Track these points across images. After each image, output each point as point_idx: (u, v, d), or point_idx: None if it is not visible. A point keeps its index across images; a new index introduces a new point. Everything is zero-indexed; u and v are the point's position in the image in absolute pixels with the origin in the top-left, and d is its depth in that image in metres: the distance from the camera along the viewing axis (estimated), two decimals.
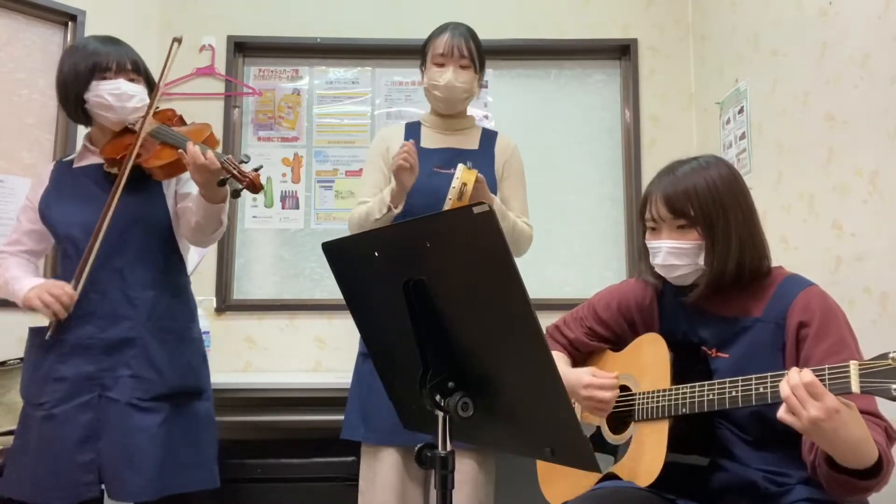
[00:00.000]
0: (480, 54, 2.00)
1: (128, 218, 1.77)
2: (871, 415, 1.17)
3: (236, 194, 1.65)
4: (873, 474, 1.10)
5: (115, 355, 1.72)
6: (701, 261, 1.34)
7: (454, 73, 1.94)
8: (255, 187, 1.64)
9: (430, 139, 2.02)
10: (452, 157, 1.89)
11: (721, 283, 1.33)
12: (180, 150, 1.66)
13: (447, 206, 1.77)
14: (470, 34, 2.00)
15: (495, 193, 1.95)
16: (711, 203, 1.32)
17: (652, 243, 1.39)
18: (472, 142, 2.03)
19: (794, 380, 1.04)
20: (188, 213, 1.79)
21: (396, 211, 1.87)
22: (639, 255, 1.49)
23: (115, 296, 1.74)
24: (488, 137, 2.06)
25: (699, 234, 1.33)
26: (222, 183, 1.63)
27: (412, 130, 2.06)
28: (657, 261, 1.38)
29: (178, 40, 1.81)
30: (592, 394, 1.41)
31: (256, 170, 1.66)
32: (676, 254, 1.35)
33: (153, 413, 1.71)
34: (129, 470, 1.66)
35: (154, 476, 1.67)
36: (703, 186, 1.33)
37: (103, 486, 1.68)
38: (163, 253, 1.82)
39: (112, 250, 1.75)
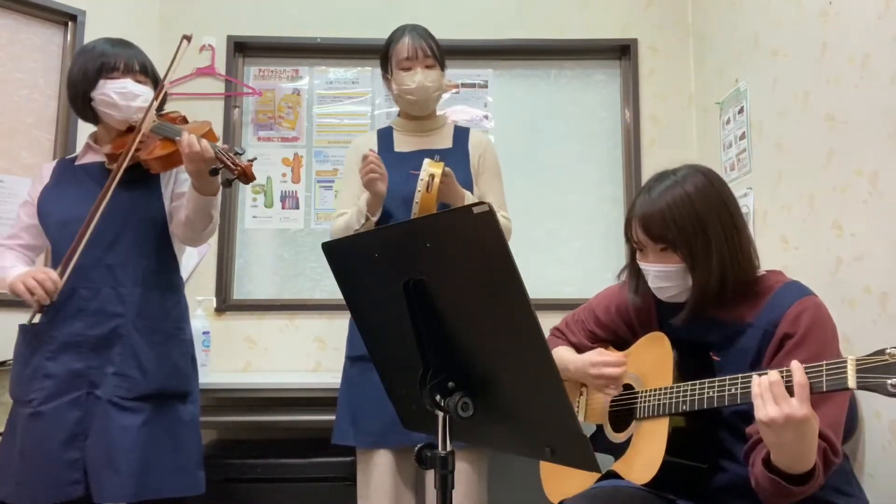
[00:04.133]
0: (441, 51, 2.01)
1: (123, 215, 1.77)
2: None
3: (228, 184, 1.65)
4: (803, 481, 1.13)
5: (104, 352, 1.71)
6: (689, 281, 1.34)
7: (423, 74, 1.95)
8: (247, 177, 1.65)
9: (403, 143, 2.02)
10: (426, 158, 1.89)
11: (705, 302, 1.33)
12: (177, 139, 1.67)
13: (416, 198, 1.78)
14: (427, 33, 2.00)
15: (471, 190, 1.95)
16: (688, 223, 1.30)
17: (642, 265, 1.40)
18: (445, 140, 2.03)
19: (765, 384, 1.09)
20: (180, 208, 1.80)
21: (374, 219, 1.87)
22: (629, 274, 1.49)
23: (105, 293, 1.74)
24: (461, 134, 2.06)
25: (680, 256, 1.32)
26: (214, 172, 1.63)
27: (384, 136, 2.05)
28: (649, 283, 1.39)
29: (188, 38, 1.81)
30: (601, 371, 1.42)
31: (250, 160, 1.66)
32: (664, 277, 1.35)
33: (135, 413, 1.69)
34: (107, 470, 1.64)
35: (133, 477, 1.64)
36: (678, 206, 1.31)
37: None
38: (156, 251, 1.82)
39: (105, 247, 1.75)
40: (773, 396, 1.07)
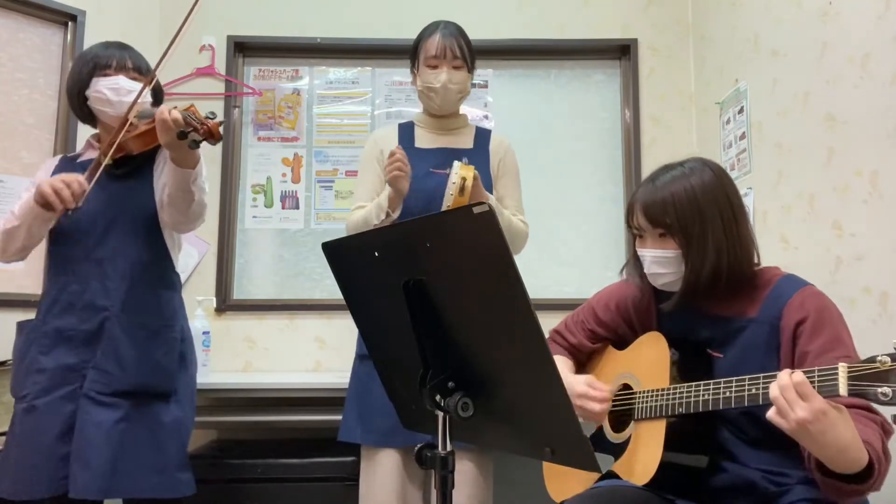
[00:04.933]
0: (471, 52, 1.99)
1: (112, 209, 1.77)
2: (867, 410, 1.17)
3: (195, 145, 1.62)
4: (864, 478, 1.09)
5: (94, 347, 1.71)
6: (683, 268, 1.34)
7: (448, 75, 1.93)
8: (213, 136, 1.62)
9: (425, 139, 2.02)
10: (447, 156, 1.89)
11: (697, 290, 1.34)
12: (155, 112, 1.66)
13: (448, 202, 1.76)
14: (460, 32, 1.99)
15: (491, 192, 1.95)
16: (688, 211, 1.32)
17: (640, 251, 1.41)
18: (466, 141, 2.03)
19: (784, 381, 1.04)
20: (164, 189, 1.78)
21: (395, 216, 1.87)
22: (630, 260, 1.50)
23: (94, 287, 1.74)
24: (482, 136, 2.06)
25: (677, 243, 1.33)
26: (183, 136, 1.60)
27: (405, 131, 2.04)
28: (645, 269, 1.40)
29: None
30: (584, 404, 1.41)
31: (219, 121, 1.64)
32: (660, 262, 1.36)
33: (111, 409, 1.67)
34: (79, 464, 1.63)
35: (103, 474, 1.62)
36: (681, 195, 1.32)
37: None
38: (146, 245, 1.80)
39: (94, 241, 1.75)
40: (788, 404, 1.04)
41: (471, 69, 2.00)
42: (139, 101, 1.77)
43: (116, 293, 1.74)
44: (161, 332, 1.80)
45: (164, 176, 1.83)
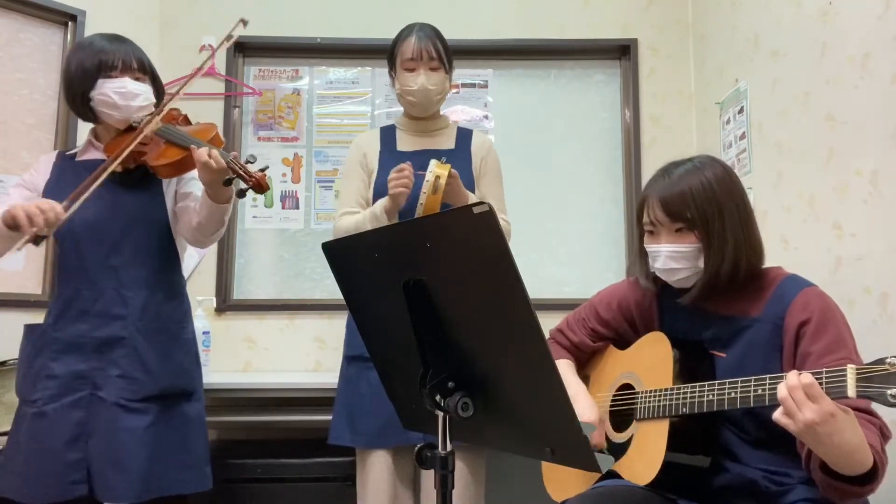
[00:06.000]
0: (448, 52, 1.98)
1: (126, 217, 1.77)
2: (866, 412, 1.17)
3: (241, 194, 1.65)
4: (867, 481, 1.09)
5: (107, 354, 1.71)
6: (700, 263, 1.34)
7: (426, 77, 1.93)
8: (261, 187, 1.65)
9: (406, 142, 2.02)
10: (429, 158, 1.88)
11: (716, 284, 1.33)
12: (192, 147, 1.67)
13: (421, 199, 1.77)
14: (436, 34, 1.97)
15: (473, 191, 1.95)
16: (707, 205, 1.32)
17: (651, 247, 1.39)
18: (447, 142, 2.03)
19: (793, 382, 1.04)
20: (189, 212, 1.79)
21: (391, 222, 1.87)
22: (635, 258, 1.49)
23: (109, 294, 1.74)
24: (464, 136, 2.05)
25: (697, 236, 1.33)
26: (228, 182, 1.63)
27: (387, 135, 2.05)
28: (657, 265, 1.38)
29: (245, 22, 1.80)
30: (589, 433, 1.43)
31: (262, 170, 1.66)
32: (676, 257, 1.35)
33: (141, 414, 1.70)
34: (114, 470, 1.65)
35: (141, 477, 1.66)
36: (698, 188, 1.32)
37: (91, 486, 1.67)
38: (159, 252, 1.82)
39: (109, 249, 1.75)
40: (796, 404, 1.04)
41: (448, 70, 1.99)
42: (146, 104, 1.78)
43: (134, 302, 1.75)
44: (178, 336, 1.83)
45: (181, 187, 1.85)
